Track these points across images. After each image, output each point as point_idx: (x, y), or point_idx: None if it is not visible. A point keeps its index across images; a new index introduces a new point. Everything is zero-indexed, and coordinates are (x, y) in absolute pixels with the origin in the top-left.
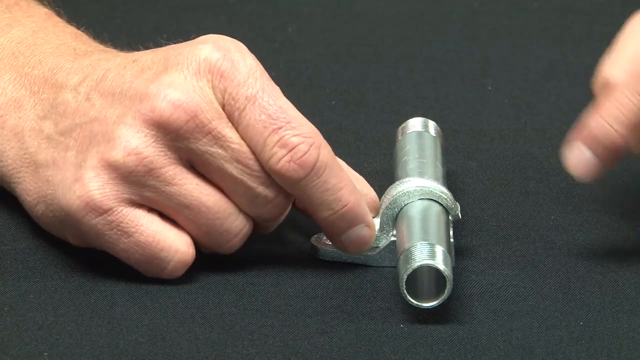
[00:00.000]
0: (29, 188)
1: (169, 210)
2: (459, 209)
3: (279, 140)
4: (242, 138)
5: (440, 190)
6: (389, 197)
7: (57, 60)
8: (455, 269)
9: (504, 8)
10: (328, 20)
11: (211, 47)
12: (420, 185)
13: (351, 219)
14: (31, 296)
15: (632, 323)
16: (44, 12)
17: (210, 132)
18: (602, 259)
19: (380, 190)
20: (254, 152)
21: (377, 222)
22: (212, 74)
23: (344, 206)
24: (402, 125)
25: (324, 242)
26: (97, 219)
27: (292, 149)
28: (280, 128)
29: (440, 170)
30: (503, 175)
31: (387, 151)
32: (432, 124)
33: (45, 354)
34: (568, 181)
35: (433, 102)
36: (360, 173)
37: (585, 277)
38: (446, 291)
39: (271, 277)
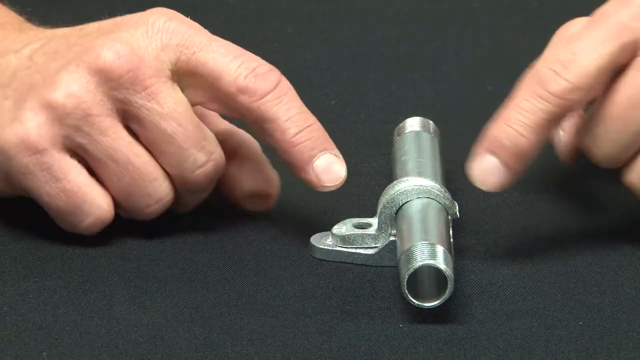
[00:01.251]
0: None
1: (96, 162)
2: (457, 208)
3: (241, 64)
4: (199, 76)
5: (438, 189)
6: (387, 196)
7: (3, 33)
8: (455, 269)
9: (504, 8)
10: (328, 20)
11: (160, 12)
12: (418, 184)
13: (321, 140)
14: (30, 296)
15: (632, 323)
16: None
17: (149, 87)
18: (602, 258)
19: (380, 190)
20: (216, 83)
21: (375, 221)
22: (162, 33)
23: (312, 124)
24: (400, 125)
25: (324, 242)
26: (29, 158)
27: (255, 68)
28: (241, 55)
29: (438, 169)
30: None
31: (387, 151)
32: (429, 123)
33: (45, 353)
34: (568, 181)
35: (433, 102)
36: (360, 173)
37: (585, 277)
38: (447, 291)
39: (270, 277)
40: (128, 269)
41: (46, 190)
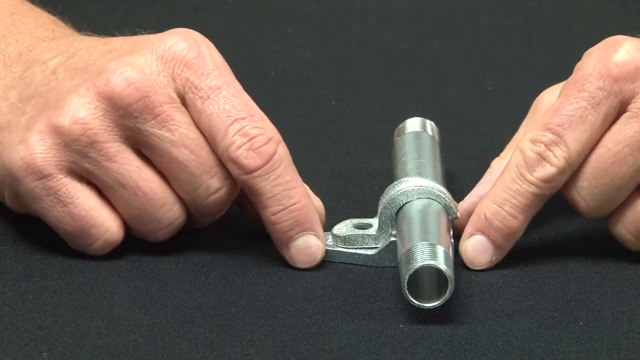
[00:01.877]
0: None
1: (105, 187)
2: (458, 208)
3: (240, 130)
4: (201, 127)
5: (439, 189)
6: (388, 196)
7: (34, 40)
8: (455, 269)
9: (504, 8)
10: (328, 20)
11: (180, 37)
12: (419, 185)
13: (301, 221)
14: (31, 296)
15: (632, 323)
16: None
17: (159, 115)
18: (602, 259)
19: (380, 190)
20: (212, 141)
21: (375, 222)
22: (176, 62)
23: (295, 203)
24: (400, 125)
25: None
26: (36, 183)
27: (252, 138)
28: (243, 119)
29: (439, 169)
30: None
31: (387, 151)
32: (429, 124)
33: (45, 354)
34: None
35: (433, 102)
36: (360, 173)
37: (585, 278)
38: (448, 291)
39: (270, 278)
40: (128, 270)
41: (54, 214)
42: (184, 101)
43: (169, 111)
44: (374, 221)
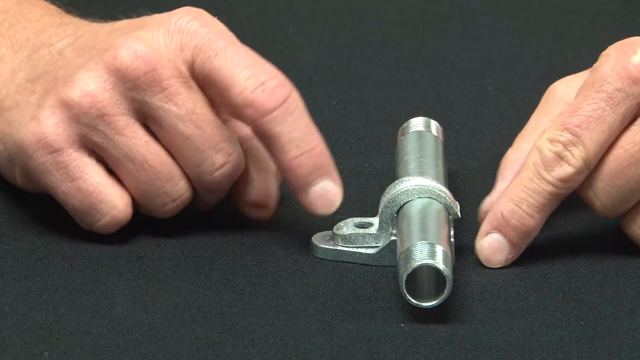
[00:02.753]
0: None
1: (113, 161)
2: (459, 207)
3: (250, 76)
4: (211, 87)
5: (440, 189)
6: (388, 195)
7: (42, 26)
8: (455, 268)
9: (504, 8)
10: (328, 20)
11: (184, 11)
12: (420, 184)
13: (320, 165)
14: (32, 296)
15: (633, 323)
16: None
17: (166, 88)
18: (603, 258)
19: (381, 190)
20: (223, 94)
21: (376, 221)
22: (182, 34)
23: (314, 148)
24: (404, 124)
25: (325, 242)
26: (46, 157)
27: (264, 82)
28: (252, 66)
29: (441, 169)
30: None
31: (388, 151)
32: (433, 123)
33: (46, 353)
34: None
35: (433, 102)
36: (361, 173)
37: (586, 277)
38: (446, 291)
39: (272, 277)
40: (129, 269)
41: (62, 189)
42: (193, 70)
43: (176, 85)
44: (375, 220)
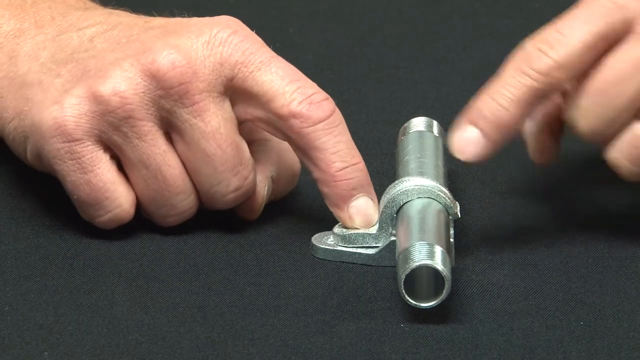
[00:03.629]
0: (8, 105)
1: (128, 162)
2: (459, 208)
3: (297, 89)
4: (253, 96)
5: (439, 189)
6: (388, 196)
7: (67, 8)
8: (455, 269)
9: (505, 8)
10: (328, 20)
11: (225, 23)
12: (419, 184)
13: (361, 180)
14: (32, 296)
15: (633, 323)
16: None
17: (197, 102)
18: (603, 258)
19: (381, 190)
20: (267, 105)
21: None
22: (223, 47)
23: (358, 162)
24: (405, 124)
25: (325, 242)
26: (62, 144)
27: (310, 95)
28: (298, 80)
29: (441, 169)
30: (504, 175)
31: (388, 151)
32: (434, 124)
33: (46, 353)
34: (569, 181)
35: (434, 102)
36: None
37: (586, 277)
38: (445, 291)
39: (272, 277)
40: (129, 269)
41: (72, 178)
42: (231, 84)
43: (206, 100)
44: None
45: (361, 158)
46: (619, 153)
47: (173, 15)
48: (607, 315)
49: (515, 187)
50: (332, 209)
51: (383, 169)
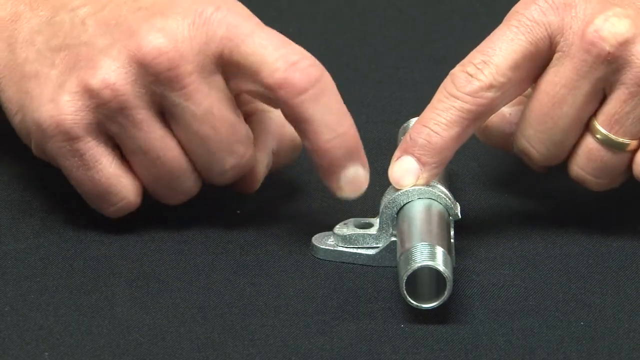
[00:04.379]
0: (11, 97)
1: (127, 150)
2: (459, 208)
3: (281, 56)
4: (242, 69)
5: (440, 189)
6: (389, 196)
7: None
8: (456, 269)
9: (505, 8)
10: (328, 20)
11: (208, 1)
12: (420, 185)
13: (352, 149)
14: (32, 296)
15: (633, 323)
16: None
17: (187, 86)
18: (603, 259)
19: (381, 190)
20: (254, 77)
21: (376, 221)
22: (208, 25)
23: (347, 132)
24: (404, 124)
25: (325, 242)
26: (62, 143)
27: (296, 62)
28: (282, 47)
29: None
30: (504, 175)
31: (388, 151)
32: None
33: (46, 353)
34: (569, 181)
35: None
36: None
37: (587, 277)
38: (446, 292)
39: (272, 278)
40: (129, 270)
41: (76, 175)
42: (221, 60)
43: (196, 82)
44: (375, 221)
45: (352, 125)
46: (580, 169)
47: None
48: (607, 316)
49: (515, 187)
50: (322, 178)
51: (383, 169)
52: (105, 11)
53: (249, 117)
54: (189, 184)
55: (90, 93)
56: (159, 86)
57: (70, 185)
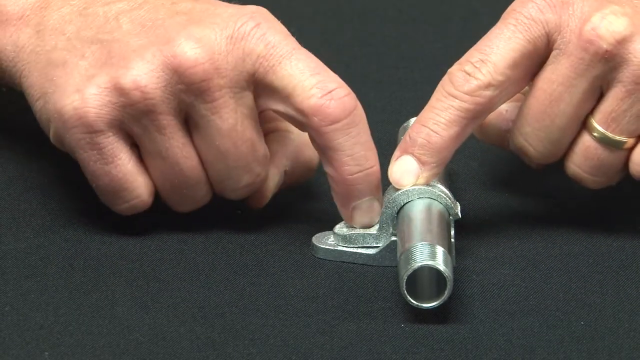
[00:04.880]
0: (34, 82)
1: (146, 152)
2: (459, 208)
3: (318, 82)
4: (274, 90)
5: (440, 189)
6: (389, 196)
7: None
8: (456, 269)
9: (505, 8)
10: (329, 20)
11: (250, 15)
12: (420, 185)
13: (372, 184)
14: (32, 296)
15: (633, 323)
16: None
17: (216, 99)
18: (604, 258)
19: (382, 191)
20: (287, 100)
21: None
22: (246, 41)
23: (372, 167)
24: (404, 124)
25: (325, 242)
26: (83, 135)
27: (332, 90)
28: (319, 74)
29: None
30: (504, 175)
31: (388, 151)
32: None
33: (47, 353)
34: (569, 181)
35: None
36: None
37: (587, 277)
38: (446, 292)
39: (272, 277)
40: (130, 269)
41: (92, 168)
42: (253, 79)
43: (226, 96)
44: None
45: (376, 160)
46: (576, 167)
47: None
48: (608, 315)
49: (515, 186)
50: (336, 203)
51: (383, 170)
52: (141, 11)
53: (269, 134)
54: (201, 194)
55: (119, 91)
56: (188, 96)
57: (71, 186)
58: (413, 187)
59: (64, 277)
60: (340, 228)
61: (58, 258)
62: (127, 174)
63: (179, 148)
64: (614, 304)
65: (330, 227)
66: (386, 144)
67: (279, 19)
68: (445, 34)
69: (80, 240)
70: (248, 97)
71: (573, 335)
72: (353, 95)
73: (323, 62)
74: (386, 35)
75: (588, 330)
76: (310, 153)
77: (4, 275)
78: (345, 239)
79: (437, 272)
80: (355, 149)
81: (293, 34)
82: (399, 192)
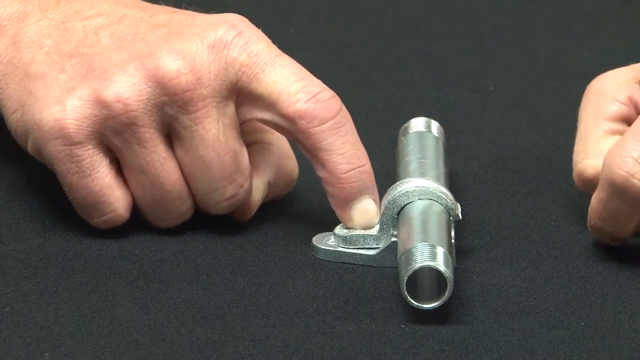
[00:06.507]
0: (11, 95)
1: (127, 165)
2: (460, 209)
3: (303, 87)
4: (257, 98)
5: (440, 190)
6: (389, 197)
7: None
8: (456, 269)
9: (505, 8)
10: (328, 20)
11: (230, 24)
12: (420, 186)
13: (366, 182)
14: (32, 296)
15: (634, 323)
16: None
17: (199, 110)
18: (604, 259)
19: (382, 191)
20: (273, 107)
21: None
22: (228, 50)
23: (364, 165)
24: (405, 125)
25: (326, 243)
26: (62, 147)
27: (317, 94)
28: (303, 79)
29: (442, 170)
30: (504, 175)
31: (388, 152)
32: (434, 124)
33: (47, 354)
34: (569, 181)
35: (434, 102)
36: None
37: (587, 278)
38: (447, 292)
39: (272, 278)
40: (130, 270)
41: (70, 180)
42: (236, 88)
43: (209, 106)
44: None
45: (367, 158)
46: None
47: (179, 6)
48: (608, 316)
49: (516, 187)
50: (334, 207)
51: (383, 170)
52: (121, 25)
53: (250, 146)
54: (183, 209)
55: (101, 104)
56: (172, 107)
57: None
58: (414, 188)
59: (64, 278)
60: (340, 229)
61: (58, 259)
62: (104, 188)
63: (160, 162)
64: (614, 305)
65: (330, 228)
66: (386, 145)
67: (279, 19)
68: (445, 34)
69: (81, 241)
70: (230, 107)
71: (573, 335)
72: (338, 98)
73: (323, 62)
74: (386, 35)
75: (588, 331)
76: (291, 164)
77: (4, 276)
78: (346, 240)
79: (438, 272)
80: (345, 147)
81: (293, 34)
82: (400, 193)
